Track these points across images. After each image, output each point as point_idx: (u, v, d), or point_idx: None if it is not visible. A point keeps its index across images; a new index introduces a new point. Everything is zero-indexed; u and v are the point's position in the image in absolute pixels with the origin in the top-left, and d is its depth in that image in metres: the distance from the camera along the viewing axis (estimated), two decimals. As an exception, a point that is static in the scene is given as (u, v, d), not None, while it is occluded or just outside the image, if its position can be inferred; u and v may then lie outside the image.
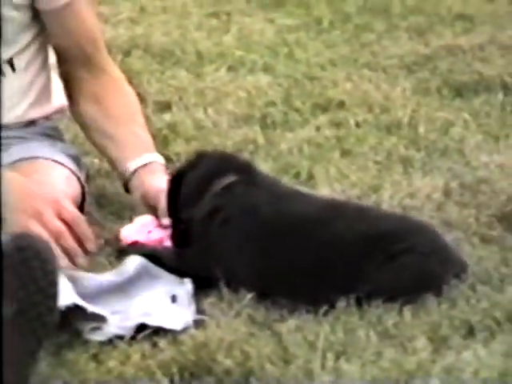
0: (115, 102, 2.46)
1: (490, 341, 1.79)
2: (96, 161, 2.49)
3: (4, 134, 2.27)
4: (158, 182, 2.27)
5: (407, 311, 1.86)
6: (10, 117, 2.33)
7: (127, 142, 2.41)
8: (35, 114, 2.39)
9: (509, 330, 1.82)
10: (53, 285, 1.80)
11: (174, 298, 2.10)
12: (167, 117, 2.83)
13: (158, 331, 1.96)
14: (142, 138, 2.41)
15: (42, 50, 2.48)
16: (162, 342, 1.88)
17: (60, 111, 2.50)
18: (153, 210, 2.28)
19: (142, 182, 2.30)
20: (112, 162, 2.39)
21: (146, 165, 2.32)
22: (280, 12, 3.44)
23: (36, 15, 2.46)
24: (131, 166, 2.31)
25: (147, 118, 2.59)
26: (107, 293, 2.11)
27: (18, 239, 1.81)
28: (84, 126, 2.44)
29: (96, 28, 2.54)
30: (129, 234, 2.15)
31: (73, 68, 2.46)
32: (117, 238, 2.18)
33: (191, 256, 2.05)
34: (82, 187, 2.24)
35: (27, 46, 2.41)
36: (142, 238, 2.14)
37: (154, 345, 1.90)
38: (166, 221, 2.20)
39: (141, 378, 1.80)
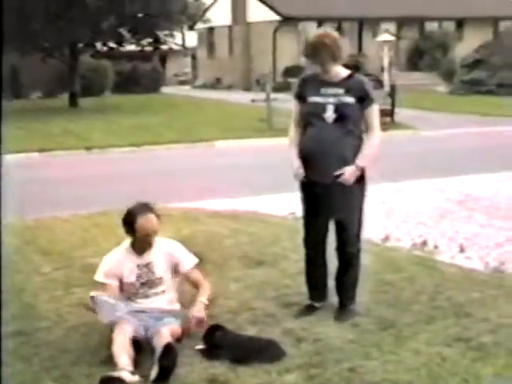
0: (202, 290, 3.66)
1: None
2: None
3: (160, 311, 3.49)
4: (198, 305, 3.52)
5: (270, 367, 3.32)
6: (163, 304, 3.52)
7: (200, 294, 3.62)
8: (171, 306, 3.60)
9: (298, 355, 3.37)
10: (174, 360, 3.20)
11: None
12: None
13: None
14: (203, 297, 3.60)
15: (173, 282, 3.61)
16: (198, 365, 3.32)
17: (178, 309, 3.68)
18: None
19: (197, 302, 3.55)
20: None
21: (200, 301, 3.57)
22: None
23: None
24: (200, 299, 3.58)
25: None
26: None
27: (169, 345, 3.23)
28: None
29: None
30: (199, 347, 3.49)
31: (192, 284, 3.69)
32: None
33: (216, 352, 3.48)
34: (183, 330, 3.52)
35: (170, 283, 3.60)
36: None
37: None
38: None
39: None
